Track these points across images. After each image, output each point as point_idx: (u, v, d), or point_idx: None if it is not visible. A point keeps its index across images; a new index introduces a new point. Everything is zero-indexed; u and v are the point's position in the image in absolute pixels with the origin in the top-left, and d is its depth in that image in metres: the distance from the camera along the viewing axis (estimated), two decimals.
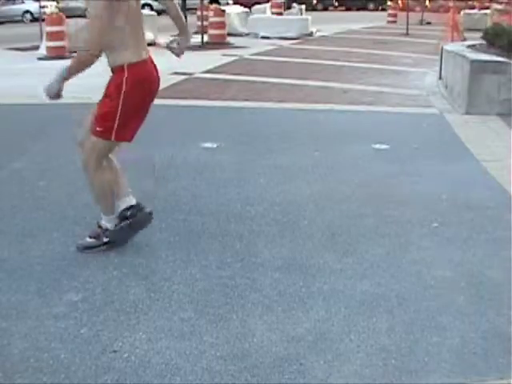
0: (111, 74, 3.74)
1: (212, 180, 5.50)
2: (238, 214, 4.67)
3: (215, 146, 6.63)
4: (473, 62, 8.40)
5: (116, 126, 3.70)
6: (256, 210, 4.74)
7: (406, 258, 3.95)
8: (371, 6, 45.82)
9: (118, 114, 3.68)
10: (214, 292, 3.49)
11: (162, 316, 3.23)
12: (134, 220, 3.96)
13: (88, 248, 3.93)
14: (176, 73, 11.70)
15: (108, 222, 3.94)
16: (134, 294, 3.45)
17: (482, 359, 2.88)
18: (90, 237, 3.96)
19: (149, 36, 17.21)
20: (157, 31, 18.11)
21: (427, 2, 31.62)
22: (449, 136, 7.29)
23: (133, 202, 3.99)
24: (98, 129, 3.72)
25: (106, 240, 3.94)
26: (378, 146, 6.69)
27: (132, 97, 3.67)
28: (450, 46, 10.76)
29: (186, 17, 21.74)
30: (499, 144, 6.80)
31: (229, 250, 4.03)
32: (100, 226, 3.95)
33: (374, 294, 3.47)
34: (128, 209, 3.96)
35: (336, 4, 47.80)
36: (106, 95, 3.74)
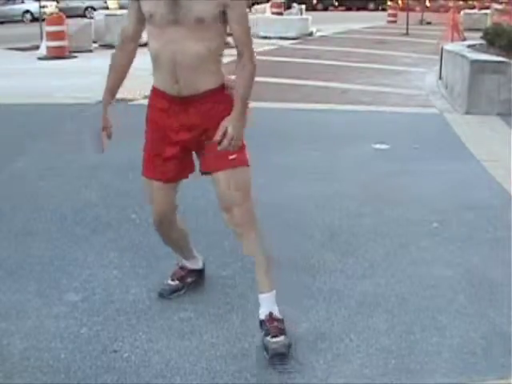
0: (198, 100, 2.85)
1: (212, 180, 5.48)
2: None
3: None
4: (473, 62, 8.40)
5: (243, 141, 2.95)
6: (256, 210, 4.72)
7: (406, 257, 3.95)
8: (371, 5, 45.89)
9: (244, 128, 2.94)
10: (214, 292, 3.49)
11: (161, 316, 3.23)
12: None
13: (174, 292, 3.43)
14: None
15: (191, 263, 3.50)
16: (133, 294, 3.45)
17: (482, 359, 2.87)
18: (173, 280, 3.46)
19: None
20: None
21: (427, 2, 31.65)
22: (449, 136, 7.29)
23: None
24: (232, 157, 2.90)
25: (190, 280, 3.48)
26: (378, 145, 6.69)
27: None
28: (450, 46, 10.77)
29: None
30: (499, 144, 6.80)
31: (229, 250, 4.03)
32: (182, 267, 3.49)
33: (374, 293, 3.47)
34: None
35: (336, 4, 47.86)
36: (213, 108, 2.88)
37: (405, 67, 13.69)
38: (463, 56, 8.87)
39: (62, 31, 14.93)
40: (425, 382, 2.73)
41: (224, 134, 2.80)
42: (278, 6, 25.16)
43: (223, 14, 2.72)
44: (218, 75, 2.88)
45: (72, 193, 5.02)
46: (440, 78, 11.10)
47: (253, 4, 27.12)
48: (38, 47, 15.95)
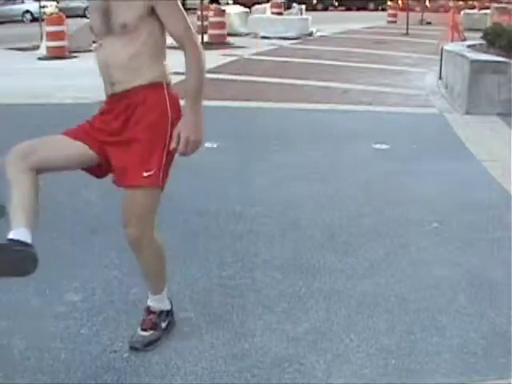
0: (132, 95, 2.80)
1: (212, 180, 5.50)
2: (238, 213, 4.67)
3: (215, 145, 6.63)
4: (473, 62, 8.40)
5: (163, 163, 2.80)
6: (256, 210, 4.74)
7: (406, 257, 3.95)
8: (371, 5, 45.87)
9: (166, 150, 2.77)
10: (214, 292, 3.49)
11: None
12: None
13: (150, 344, 2.96)
14: (176, 73, 11.66)
15: (161, 302, 3.05)
16: (133, 294, 3.45)
17: (482, 359, 2.87)
18: (145, 329, 2.99)
19: None
20: None
21: (427, 2, 31.64)
22: (449, 136, 7.29)
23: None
24: (146, 174, 2.73)
25: (164, 325, 3.05)
26: (378, 145, 6.69)
27: (175, 125, 2.78)
28: (450, 46, 10.77)
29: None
30: (499, 144, 6.80)
31: (229, 250, 4.03)
32: (152, 312, 3.02)
33: (374, 293, 3.47)
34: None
35: (336, 4, 47.85)
36: (142, 120, 2.77)
37: (405, 67, 13.69)
38: (463, 56, 8.87)
39: (62, 31, 14.93)
40: (425, 382, 2.73)
41: (178, 140, 2.69)
42: (278, 6, 25.15)
43: (152, 11, 2.72)
44: (154, 72, 2.83)
45: (72, 193, 5.02)
46: (440, 78, 11.10)
47: (253, 4, 27.12)
48: (38, 47, 15.96)
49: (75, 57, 14.86)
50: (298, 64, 14.22)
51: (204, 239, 4.21)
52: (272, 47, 17.77)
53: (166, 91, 2.84)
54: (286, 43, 18.97)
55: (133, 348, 2.92)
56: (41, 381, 2.70)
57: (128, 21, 2.71)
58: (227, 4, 32.60)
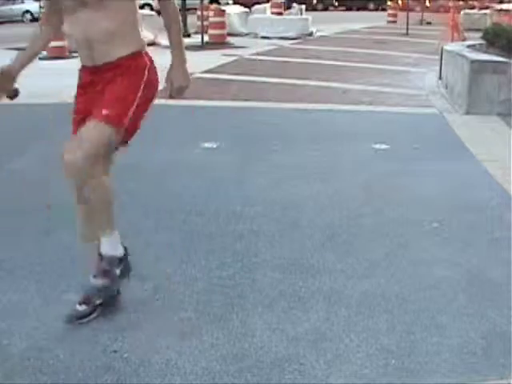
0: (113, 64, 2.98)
1: (212, 180, 5.50)
2: (238, 213, 4.67)
3: (215, 146, 6.64)
4: (473, 62, 8.39)
5: (130, 113, 2.97)
6: (256, 210, 4.74)
7: (406, 258, 3.95)
8: (371, 5, 45.84)
9: (136, 102, 2.97)
10: (214, 292, 3.49)
11: (162, 316, 3.23)
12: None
13: (105, 290, 3.08)
14: None
15: (111, 245, 3.07)
16: (133, 293, 3.45)
17: (482, 359, 2.87)
18: (95, 276, 3.10)
19: (148, 36, 17.26)
20: (157, 31, 18.11)
21: (427, 2, 31.63)
22: (449, 136, 7.29)
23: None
24: (105, 112, 2.89)
25: (118, 272, 3.11)
26: (378, 145, 6.69)
27: (149, 90, 3.04)
28: (450, 46, 10.76)
29: (185, 17, 21.69)
30: (499, 144, 6.80)
31: (229, 250, 4.03)
32: (104, 258, 3.05)
33: (374, 293, 3.47)
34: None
35: (336, 4, 47.82)
36: (120, 75, 2.96)
37: (405, 67, 13.68)
38: (463, 56, 8.86)
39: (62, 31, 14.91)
40: (425, 382, 2.73)
41: (171, 85, 3.01)
42: (278, 6, 25.13)
43: None
44: (132, 43, 3.01)
45: (72, 193, 5.00)
46: (440, 78, 11.10)
47: (253, 4, 27.12)
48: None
49: (75, 57, 14.83)
50: (297, 64, 14.22)
51: (204, 239, 4.21)
52: (272, 47, 17.77)
53: (146, 58, 3.05)
54: (286, 43, 18.96)
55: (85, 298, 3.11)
56: (41, 381, 2.70)
57: None
58: (227, 4, 32.58)
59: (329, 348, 2.95)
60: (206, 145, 6.65)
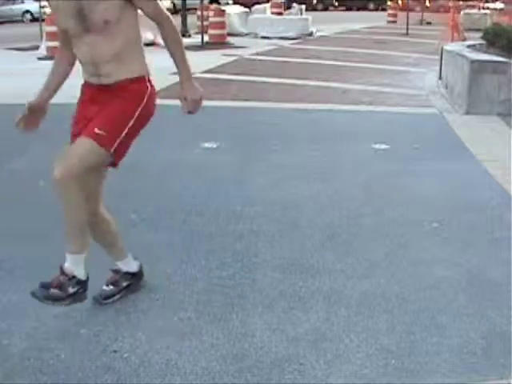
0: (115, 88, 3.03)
1: (212, 180, 5.50)
2: (238, 213, 4.67)
3: (215, 146, 6.64)
4: (473, 62, 8.40)
5: (121, 137, 3.00)
6: (256, 210, 4.74)
7: (406, 258, 3.95)
8: (371, 5, 45.83)
9: (129, 126, 3.01)
10: (214, 292, 3.49)
11: (162, 316, 3.23)
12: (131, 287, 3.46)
13: (52, 299, 3.05)
14: (176, 73, 11.67)
15: (75, 265, 3.05)
16: (133, 294, 3.45)
17: (482, 359, 2.87)
18: (48, 287, 3.04)
19: (149, 36, 17.26)
20: (157, 31, 18.09)
21: (427, 2, 31.63)
22: (449, 136, 7.29)
23: (135, 267, 3.47)
24: (97, 131, 2.93)
25: (72, 291, 3.06)
26: (378, 145, 6.69)
27: (144, 117, 3.09)
28: (450, 46, 10.76)
29: (185, 16, 21.68)
30: (499, 144, 6.80)
31: (229, 249, 4.03)
32: (64, 273, 3.05)
33: (374, 293, 3.47)
34: (132, 276, 3.46)
35: (336, 4, 47.79)
36: (118, 97, 3.02)
37: (405, 67, 13.69)
38: (463, 56, 8.87)
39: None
40: (425, 382, 2.73)
41: (186, 100, 3.04)
42: (278, 6, 25.13)
43: (130, 5, 2.93)
44: (135, 67, 3.06)
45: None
46: (440, 78, 11.10)
47: (253, 4, 27.12)
48: (37, 47, 15.95)
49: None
50: (297, 64, 14.22)
51: (204, 239, 4.21)
52: (272, 47, 17.77)
53: (147, 84, 3.09)
54: (286, 43, 18.96)
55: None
56: (41, 381, 2.70)
57: (105, 16, 2.87)
58: (227, 4, 32.59)
59: (329, 348, 2.95)
60: (206, 145, 6.65)
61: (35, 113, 3.24)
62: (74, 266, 3.04)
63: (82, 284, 3.09)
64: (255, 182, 5.46)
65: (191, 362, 2.83)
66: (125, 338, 3.01)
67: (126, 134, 3.01)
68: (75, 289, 3.05)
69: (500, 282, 3.60)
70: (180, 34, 3.16)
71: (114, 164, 3.11)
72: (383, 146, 6.67)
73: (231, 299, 3.41)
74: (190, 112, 3.08)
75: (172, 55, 3.07)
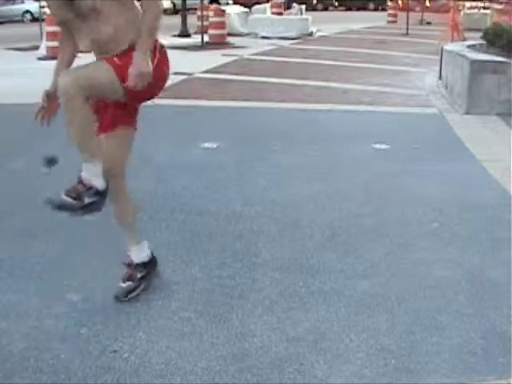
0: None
1: (212, 180, 5.50)
2: (238, 214, 4.67)
3: (215, 146, 6.64)
4: (473, 62, 8.40)
5: (135, 75, 2.90)
6: (256, 210, 4.74)
7: (406, 258, 3.95)
8: (371, 5, 45.81)
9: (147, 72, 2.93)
10: (214, 292, 3.49)
11: (162, 316, 3.23)
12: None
13: (64, 207, 3.04)
14: (176, 73, 11.66)
15: (93, 175, 3.01)
16: (133, 293, 3.44)
17: (482, 359, 2.88)
18: (70, 196, 3.00)
19: None
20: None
21: (427, 2, 31.63)
22: (449, 136, 7.30)
23: (146, 257, 3.46)
24: (118, 62, 2.93)
25: (88, 201, 2.99)
26: (378, 145, 6.69)
27: (160, 72, 3.03)
28: (450, 46, 10.76)
29: (185, 16, 21.68)
30: (499, 144, 6.80)
31: (229, 250, 4.03)
32: (82, 182, 3.00)
33: (374, 293, 3.47)
34: (144, 265, 3.45)
35: (336, 4, 47.78)
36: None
37: (405, 67, 13.68)
38: (463, 56, 8.87)
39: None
40: (425, 382, 2.73)
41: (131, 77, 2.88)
42: (278, 5, 25.12)
43: None
44: (132, 36, 3.00)
45: None
46: (440, 78, 11.10)
47: (253, 4, 27.12)
48: (37, 47, 15.94)
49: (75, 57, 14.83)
50: (297, 64, 14.22)
51: (204, 239, 4.21)
52: (272, 47, 17.77)
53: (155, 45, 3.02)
54: (286, 43, 18.96)
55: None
56: (41, 381, 2.70)
57: (96, 4, 2.90)
58: (227, 4, 32.59)
59: (329, 348, 2.95)
60: (206, 145, 6.65)
61: (52, 100, 3.19)
62: (92, 175, 2.99)
63: (100, 194, 3.02)
64: (255, 182, 5.46)
65: (191, 362, 2.83)
66: (125, 338, 3.02)
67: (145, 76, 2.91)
68: (92, 199, 2.99)
69: (500, 282, 3.60)
70: (158, 18, 2.99)
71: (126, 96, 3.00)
72: (383, 146, 6.67)
73: (231, 299, 3.41)
74: (131, 86, 2.88)
75: (142, 23, 2.93)
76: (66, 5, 2.97)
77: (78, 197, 2.95)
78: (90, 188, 2.97)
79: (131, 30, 3.05)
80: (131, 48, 2.98)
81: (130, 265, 3.43)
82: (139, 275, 3.42)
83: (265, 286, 3.55)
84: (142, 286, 3.43)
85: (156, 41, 3.07)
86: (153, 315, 3.23)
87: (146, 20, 2.94)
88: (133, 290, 3.40)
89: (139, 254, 3.44)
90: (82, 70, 2.95)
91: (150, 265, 3.50)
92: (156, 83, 3.04)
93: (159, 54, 3.05)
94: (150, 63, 2.90)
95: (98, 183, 2.99)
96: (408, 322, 3.19)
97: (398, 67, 13.68)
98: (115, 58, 2.96)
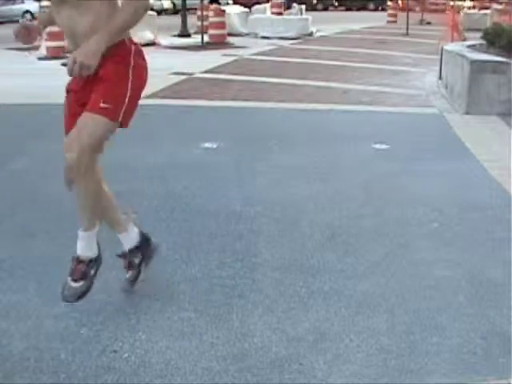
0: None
1: (212, 180, 5.50)
2: (238, 213, 4.67)
3: (215, 146, 6.64)
4: (473, 62, 8.40)
5: (126, 103, 2.96)
6: (256, 210, 4.74)
7: (406, 258, 3.95)
8: (371, 5, 45.87)
9: (128, 89, 2.95)
10: (214, 292, 3.49)
11: (162, 316, 3.23)
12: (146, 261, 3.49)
13: (83, 295, 3.13)
14: (176, 73, 11.71)
15: (88, 247, 3.20)
16: (133, 293, 3.45)
17: (482, 359, 2.87)
18: (76, 280, 3.12)
19: (148, 35, 17.27)
20: (156, 30, 18.12)
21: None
22: (449, 136, 7.29)
23: (135, 239, 3.42)
24: (103, 105, 2.88)
25: (93, 272, 3.17)
26: (378, 145, 6.69)
27: (139, 76, 3.02)
28: (450, 46, 10.76)
29: (185, 16, 21.69)
30: (499, 144, 6.80)
31: (229, 249, 4.03)
32: (82, 261, 3.15)
33: (374, 294, 3.47)
34: (137, 248, 3.43)
35: (336, 4, 47.83)
36: (108, 62, 2.90)
37: (405, 67, 13.69)
38: (463, 56, 8.87)
39: (62, 31, 14.89)
40: (425, 382, 2.73)
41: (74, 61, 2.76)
42: (278, 5, 25.12)
43: None
44: None
45: (72, 193, 5.00)
46: (440, 78, 11.10)
47: (253, 4, 27.12)
48: (37, 47, 15.95)
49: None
50: (297, 64, 14.22)
51: (204, 239, 4.21)
52: (272, 47, 17.78)
53: (128, 43, 2.99)
54: (285, 43, 18.97)
55: (67, 301, 3.09)
56: (41, 381, 2.70)
57: None
58: (227, 4, 32.59)
59: (329, 348, 2.95)
60: (206, 145, 6.65)
61: (32, 31, 3.30)
62: (88, 247, 3.13)
63: (98, 259, 3.17)
64: (255, 182, 5.46)
65: (191, 362, 2.83)
66: (125, 338, 3.02)
67: (129, 97, 2.96)
68: (95, 268, 3.16)
69: (500, 282, 3.60)
70: (138, 13, 2.89)
71: (122, 125, 3.04)
72: (383, 146, 6.67)
73: (231, 299, 3.41)
74: (68, 71, 2.78)
75: (113, 17, 2.88)
76: None
77: (84, 276, 3.11)
78: (90, 261, 3.15)
79: None
80: (108, 53, 2.88)
81: (124, 255, 3.41)
82: (137, 260, 3.41)
83: (265, 286, 3.55)
84: (142, 270, 3.43)
85: (135, 44, 3.03)
86: (153, 315, 3.23)
87: (116, 17, 2.86)
88: (136, 278, 3.43)
89: (127, 240, 3.39)
90: (82, 137, 2.86)
91: (144, 245, 3.46)
92: (138, 93, 3.03)
93: (134, 61, 2.98)
94: (97, 58, 2.77)
95: (94, 252, 3.19)
96: (408, 322, 3.19)
97: (398, 67, 13.68)
98: (100, 103, 2.87)
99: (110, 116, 2.90)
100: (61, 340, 3.00)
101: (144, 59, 3.08)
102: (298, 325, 3.15)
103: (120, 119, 2.95)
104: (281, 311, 3.28)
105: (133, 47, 3.01)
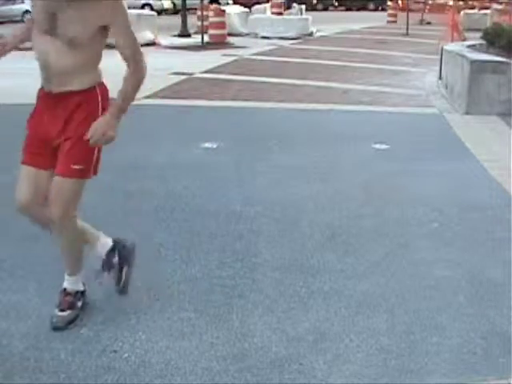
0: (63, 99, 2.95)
1: (212, 180, 5.50)
2: (238, 213, 4.67)
3: (215, 146, 6.64)
4: (473, 62, 8.40)
5: (95, 156, 3.03)
6: (256, 210, 4.74)
7: (406, 258, 3.95)
8: (371, 5, 45.89)
9: (98, 147, 3.00)
10: (213, 292, 3.49)
11: (162, 316, 3.23)
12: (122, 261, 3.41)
13: (71, 322, 3.16)
14: (176, 73, 11.70)
15: (76, 284, 3.24)
16: (134, 293, 3.45)
17: (482, 359, 2.88)
18: (63, 310, 3.17)
19: (148, 36, 17.28)
20: (156, 30, 18.13)
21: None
22: (449, 136, 7.30)
23: (110, 242, 3.38)
24: (74, 167, 2.94)
25: (80, 304, 3.24)
26: (378, 145, 6.69)
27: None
28: (449, 46, 10.77)
29: (185, 16, 21.67)
30: (499, 144, 6.80)
31: (229, 249, 4.03)
32: (69, 293, 3.21)
33: (374, 294, 3.47)
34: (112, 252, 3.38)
35: (336, 4, 47.85)
36: (75, 113, 2.94)
37: (405, 67, 13.69)
38: (463, 56, 8.87)
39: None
40: (425, 382, 2.73)
41: (94, 133, 2.86)
42: (278, 5, 25.14)
43: (104, 28, 2.87)
44: (90, 78, 2.97)
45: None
46: (440, 78, 11.11)
47: (253, 4, 27.12)
48: None
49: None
50: (297, 64, 14.23)
51: (204, 239, 4.21)
52: (272, 47, 17.78)
53: (97, 91, 2.98)
54: (285, 43, 18.97)
55: (56, 328, 3.09)
56: (41, 381, 2.70)
57: (78, 35, 2.81)
58: (227, 4, 32.59)
59: (329, 348, 2.95)
60: (206, 145, 6.65)
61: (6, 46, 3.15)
62: (75, 283, 3.24)
63: (84, 292, 3.29)
64: (255, 182, 5.46)
65: (191, 362, 2.83)
66: (125, 338, 3.02)
67: (98, 149, 3.01)
68: (81, 300, 3.26)
69: (500, 282, 3.60)
70: (141, 83, 2.96)
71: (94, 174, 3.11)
72: (383, 146, 6.67)
73: (231, 299, 3.41)
74: (93, 144, 2.90)
75: (121, 91, 2.91)
76: (49, 17, 2.81)
77: (71, 306, 3.19)
78: (77, 293, 3.25)
79: (94, 71, 2.97)
80: (88, 93, 2.91)
81: (104, 264, 3.36)
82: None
83: (265, 286, 3.55)
84: (125, 270, 3.37)
85: (102, 86, 3.00)
86: (153, 315, 3.23)
87: (129, 82, 2.90)
88: (120, 278, 3.38)
89: (102, 249, 3.35)
90: (61, 203, 2.97)
91: (119, 248, 3.39)
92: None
93: (101, 110, 2.95)
94: (109, 131, 2.87)
95: (80, 286, 3.27)
96: (408, 322, 3.19)
97: (398, 67, 13.68)
98: (71, 165, 2.93)
99: (83, 176, 3.01)
100: (61, 340, 3.00)
101: (108, 102, 3.01)
102: (298, 325, 3.15)
103: (92, 173, 3.05)
104: (281, 311, 3.28)
105: (99, 94, 2.98)
